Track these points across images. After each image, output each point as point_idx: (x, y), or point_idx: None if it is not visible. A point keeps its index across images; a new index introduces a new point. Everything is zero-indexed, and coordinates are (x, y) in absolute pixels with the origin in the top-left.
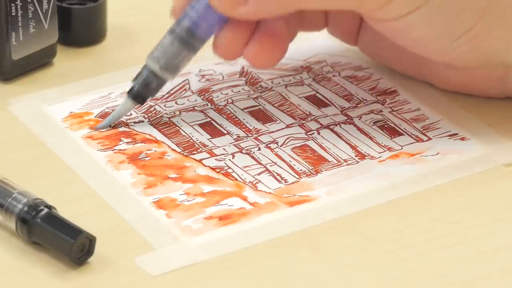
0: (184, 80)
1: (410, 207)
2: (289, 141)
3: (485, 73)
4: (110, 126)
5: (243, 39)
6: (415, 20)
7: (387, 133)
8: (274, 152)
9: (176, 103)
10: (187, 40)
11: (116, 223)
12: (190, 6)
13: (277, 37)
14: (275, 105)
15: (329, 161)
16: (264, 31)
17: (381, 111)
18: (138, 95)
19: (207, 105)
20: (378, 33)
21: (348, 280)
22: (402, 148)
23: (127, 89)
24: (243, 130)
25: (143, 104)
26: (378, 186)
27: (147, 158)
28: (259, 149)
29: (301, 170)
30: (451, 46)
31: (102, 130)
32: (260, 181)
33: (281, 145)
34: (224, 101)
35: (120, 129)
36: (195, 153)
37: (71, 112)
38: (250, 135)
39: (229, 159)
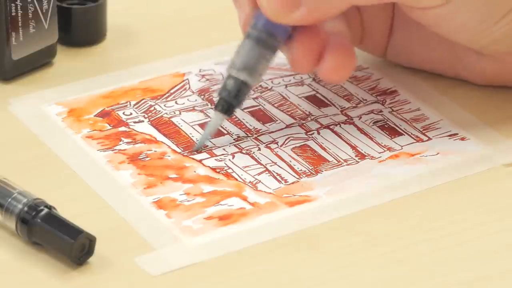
0: (184, 80)
1: (410, 207)
2: (289, 141)
3: None
4: (203, 148)
5: (314, 53)
6: (459, 4)
7: (387, 133)
8: (274, 152)
9: (176, 103)
10: (266, 41)
11: (116, 223)
12: (255, 17)
13: (348, 51)
14: (275, 105)
15: (329, 161)
16: (333, 47)
17: (381, 111)
18: (229, 107)
19: (207, 105)
20: (408, 38)
21: (348, 280)
22: (402, 148)
23: (215, 103)
24: (243, 130)
25: (230, 116)
26: (378, 186)
27: (147, 158)
28: (259, 149)
29: (301, 170)
30: (494, 28)
31: (196, 151)
32: (260, 181)
33: (281, 145)
34: None
35: (120, 129)
36: (195, 153)
37: (71, 109)
38: (250, 135)
39: (229, 159)
